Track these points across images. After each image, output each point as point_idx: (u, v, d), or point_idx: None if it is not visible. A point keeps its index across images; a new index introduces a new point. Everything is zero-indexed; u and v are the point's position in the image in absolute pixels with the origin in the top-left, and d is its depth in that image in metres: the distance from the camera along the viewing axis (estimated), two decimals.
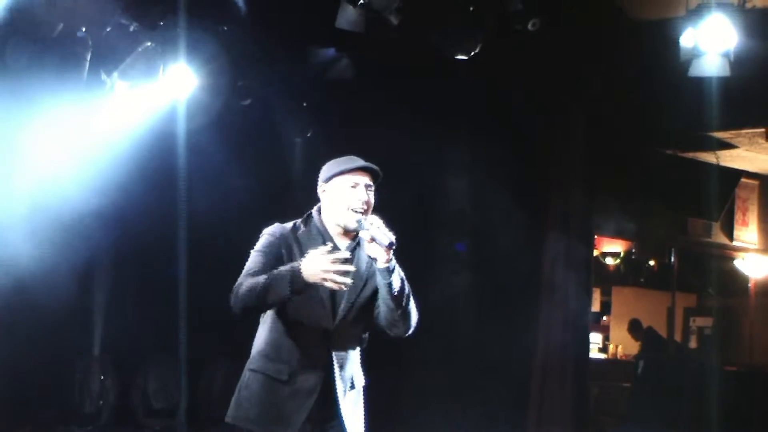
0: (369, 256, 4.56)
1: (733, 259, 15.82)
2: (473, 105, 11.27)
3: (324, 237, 4.66)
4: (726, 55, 8.45)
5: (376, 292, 4.66)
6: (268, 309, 4.54)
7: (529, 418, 11.48)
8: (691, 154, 13.46)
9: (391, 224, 4.58)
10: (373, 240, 4.51)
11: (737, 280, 15.96)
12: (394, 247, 4.48)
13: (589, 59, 10.72)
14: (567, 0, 9.86)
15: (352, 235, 4.70)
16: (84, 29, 8.61)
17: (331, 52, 10.26)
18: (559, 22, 9.51)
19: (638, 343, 15.58)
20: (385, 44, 9.21)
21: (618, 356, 16.45)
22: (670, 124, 11.68)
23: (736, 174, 14.66)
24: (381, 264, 4.51)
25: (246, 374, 4.72)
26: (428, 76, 10.39)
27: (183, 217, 10.25)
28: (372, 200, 4.71)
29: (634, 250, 16.75)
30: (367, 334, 4.83)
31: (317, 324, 4.60)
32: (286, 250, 4.61)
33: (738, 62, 8.56)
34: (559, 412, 11.36)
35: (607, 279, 16.84)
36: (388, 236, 4.47)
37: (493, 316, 11.47)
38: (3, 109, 8.70)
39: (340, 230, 4.69)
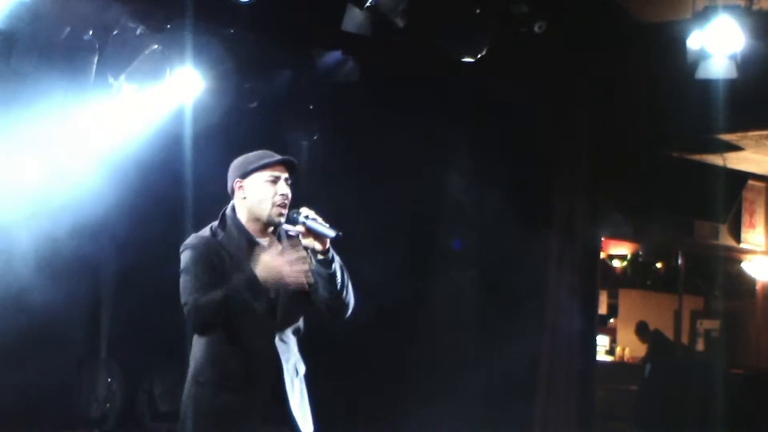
0: (306, 247, 4.54)
1: (740, 261, 15.79)
2: (477, 107, 11.26)
3: (246, 236, 4.60)
4: (733, 57, 8.44)
5: (311, 280, 4.63)
6: (225, 317, 4.42)
7: (535, 420, 11.47)
8: (697, 157, 13.44)
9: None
10: (310, 232, 4.51)
11: (744, 282, 15.93)
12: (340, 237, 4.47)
13: (595, 61, 10.72)
14: (572, 2, 9.85)
15: (271, 230, 4.66)
16: (91, 32, 8.62)
17: (337, 55, 10.25)
18: (565, 24, 9.51)
19: (645, 345, 15.56)
20: (391, 47, 9.21)
21: (625, 359, 16.44)
22: (676, 127, 11.67)
23: (743, 176, 14.65)
24: (319, 255, 4.53)
25: (193, 386, 4.60)
26: (433, 78, 10.39)
27: (189, 220, 10.23)
28: (290, 194, 4.66)
29: (640, 253, 16.72)
30: (303, 323, 4.76)
31: (260, 325, 4.53)
32: (216, 258, 4.54)
33: (745, 64, 8.55)
34: (565, 415, 11.34)
35: (613, 281, 16.83)
36: (332, 228, 4.51)
37: (498, 318, 11.45)
38: (10, 112, 8.71)
39: (260, 226, 4.64)
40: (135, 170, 9.67)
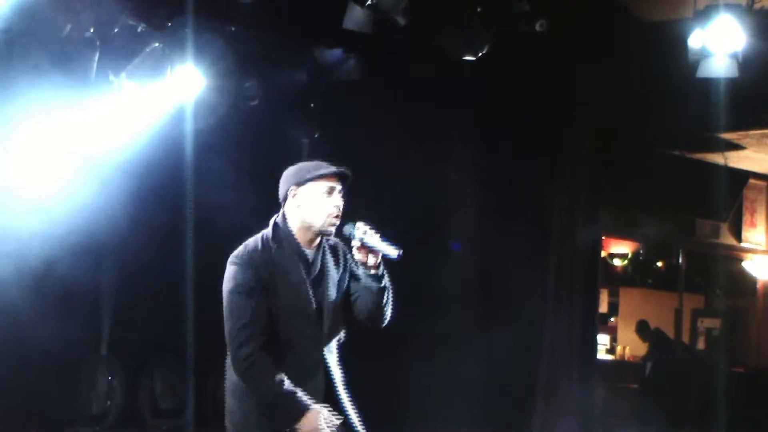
0: (357, 261, 4.63)
1: (741, 260, 15.80)
2: (478, 106, 11.27)
3: (296, 249, 4.63)
4: (734, 56, 8.43)
5: (347, 291, 4.71)
6: None
7: (536, 419, 11.48)
8: (699, 155, 13.45)
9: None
10: (365, 247, 4.57)
11: (745, 281, 15.95)
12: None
13: (596, 60, 10.71)
14: (574, 1, 9.85)
15: (318, 241, 4.70)
16: (92, 30, 8.62)
17: (338, 53, 10.25)
18: (566, 23, 9.50)
19: (646, 344, 15.56)
20: (392, 45, 9.21)
21: (625, 357, 16.43)
22: (677, 125, 11.67)
23: (744, 175, 14.65)
24: (371, 270, 4.61)
25: (245, 389, 4.66)
26: (434, 76, 10.39)
27: (190, 218, 10.26)
28: (342, 206, 4.73)
29: (641, 251, 16.72)
30: (343, 334, 4.85)
31: (310, 338, 4.62)
32: (267, 274, 4.58)
33: (746, 63, 8.54)
34: (565, 414, 11.35)
35: (614, 280, 16.82)
36: (394, 249, 4.56)
37: (500, 317, 11.46)
38: (11, 109, 8.72)
39: (311, 235, 4.68)
40: (136, 168, 9.67)
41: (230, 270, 4.66)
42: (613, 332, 17.20)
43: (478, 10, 8.69)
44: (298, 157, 11.79)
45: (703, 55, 8.46)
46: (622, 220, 13.78)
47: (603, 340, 16.03)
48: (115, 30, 8.69)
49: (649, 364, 14.65)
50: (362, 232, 4.61)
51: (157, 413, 11.58)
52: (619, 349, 16.71)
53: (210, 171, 10.19)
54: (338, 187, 4.73)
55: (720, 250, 15.32)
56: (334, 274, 4.69)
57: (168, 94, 9.32)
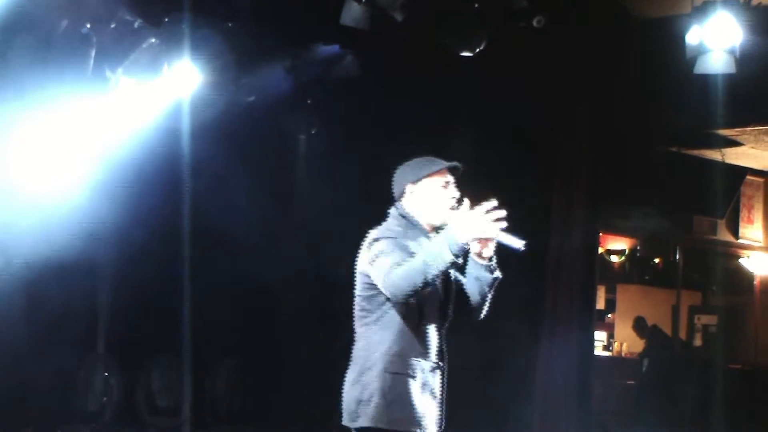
0: (473, 253, 4.77)
1: (738, 256, 15.80)
2: (476, 103, 11.25)
3: (424, 234, 4.82)
4: (732, 52, 8.42)
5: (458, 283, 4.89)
6: (427, 287, 4.57)
7: (534, 416, 11.46)
8: (696, 152, 13.44)
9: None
10: (488, 240, 4.71)
11: (742, 278, 15.94)
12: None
13: (594, 57, 10.70)
14: None
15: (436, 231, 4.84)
16: (88, 26, 8.60)
17: (335, 49, 10.24)
18: (564, 20, 9.49)
19: (643, 341, 15.56)
20: (389, 41, 9.19)
21: (623, 354, 16.43)
22: (675, 122, 11.66)
23: (742, 171, 14.64)
24: (484, 261, 4.79)
25: (387, 378, 4.69)
26: (432, 73, 10.37)
27: (187, 215, 10.25)
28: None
29: (639, 248, 16.71)
30: None
31: (435, 321, 4.81)
32: (403, 242, 4.73)
33: (744, 59, 8.53)
34: (564, 411, 11.33)
35: (611, 277, 16.81)
36: (519, 241, 4.73)
37: (496, 314, 11.42)
38: (7, 105, 8.70)
39: (429, 228, 4.86)
40: (132, 164, 9.66)
41: (376, 246, 4.74)
42: (610, 329, 17.19)
43: (476, 6, 8.68)
44: (294, 154, 11.87)
45: (700, 51, 8.46)
46: (619, 216, 13.76)
47: (600, 336, 16.02)
48: (112, 26, 8.68)
49: (646, 361, 14.65)
50: None
51: (154, 411, 11.58)
52: (616, 345, 16.71)
53: (207, 167, 10.18)
54: (452, 179, 4.91)
55: (717, 246, 15.32)
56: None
57: (165, 90, 9.30)
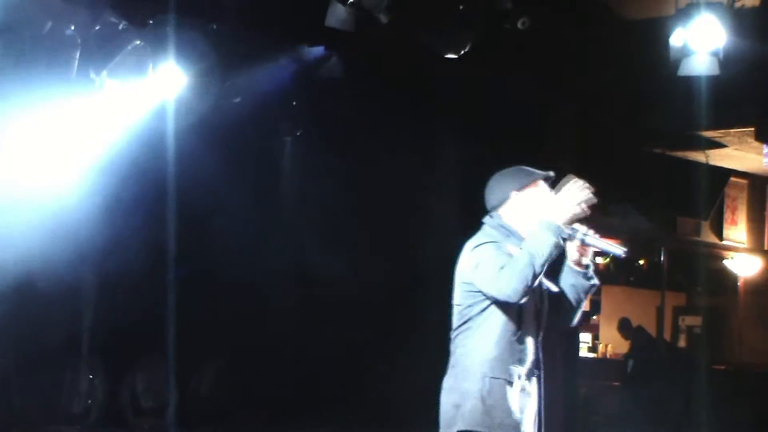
0: (570, 261, 4.85)
1: (722, 258, 15.85)
2: (462, 105, 11.27)
3: (521, 242, 4.81)
4: (715, 54, 8.46)
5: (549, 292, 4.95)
6: (538, 276, 4.63)
7: None
8: (680, 153, 13.48)
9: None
10: (584, 246, 4.80)
11: (726, 279, 16.00)
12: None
13: (579, 58, 10.73)
14: None
15: None
16: (73, 27, 8.58)
17: (320, 50, 10.24)
18: (549, 21, 9.51)
19: (628, 342, 15.60)
20: (374, 43, 9.20)
21: (608, 355, 16.47)
22: (659, 123, 11.70)
23: (726, 173, 14.70)
24: (581, 268, 4.88)
25: (486, 381, 4.76)
26: (417, 74, 10.39)
27: (173, 216, 10.24)
28: None
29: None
30: None
31: (532, 327, 4.87)
32: (507, 248, 4.78)
33: (727, 61, 8.57)
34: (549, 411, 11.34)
35: None
36: (620, 248, 4.84)
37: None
38: None
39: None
40: (117, 166, 9.64)
41: (479, 252, 4.80)
42: (595, 330, 17.23)
43: (461, 8, 8.70)
44: (281, 155, 11.86)
45: (684, 53, 8.49)
46: (603, 218, 13.79)
47: (585, 338, 16.05)
48: (97, 27, 8.66)
49: (631, 362, 14.68)
50: (583, 233, 4.81)
51: (139, 412, 11.56)
52: (601, 347, 16.74)
53: (192, 169, 10.17)
54: (546, 188, 4.98)
55: (701, 248, 15.37)
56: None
57: (150, 92, 9.28)
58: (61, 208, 9.31)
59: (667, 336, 16.16)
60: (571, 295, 4.96)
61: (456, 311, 4.93)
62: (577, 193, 4.68)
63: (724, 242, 15.55)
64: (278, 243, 11.58)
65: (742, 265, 15.81)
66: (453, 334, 4.95)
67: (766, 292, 15.98)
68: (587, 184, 4.73)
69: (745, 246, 15.83)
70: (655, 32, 9.25)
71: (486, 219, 5.00)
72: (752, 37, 9.33)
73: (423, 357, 11.55)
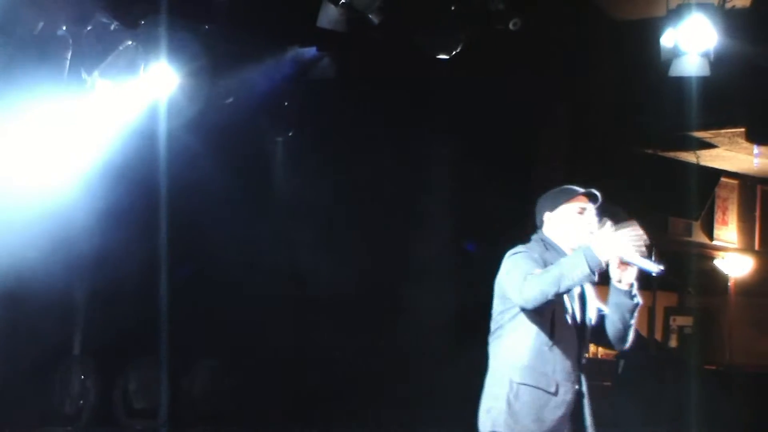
0: (613, 280, 4.87)
1: (713, 258, 15.87)
2: (453, 105, 11.28)
3: (563, 256, 4.87)
4: (706, 55, 8.49)
5: (597, 313, 5.03)
6: (557, 297, 4.70)
7: None
8: (671, 154, 13.51)
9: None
10: (624, 264, 4.82)
11: (717, 279, 16.01)
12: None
13: (570, 59, 10.74)
14: (548, 0, 9.88)
15: None
16: (64, 28, 8.57)
17: (312, 51, 10.25)
18: (540, 22, 9.53)
19: None
20: (366, 43, 9.21)
21: (599, 355, 16.45)
22: (650, 124, 11.72)
23: (716, 173, 14.72)
24: (625, 287, 4.88)
25: (513, 386, 4.84)
26: (409, 75, 10.39)
27: (164, 216, 10.23)
28: (596, 223, 5.00)
29: None
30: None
31: (572, 341, 4.92)
32: (542, 261, 4.85)
33: (718, 62, 8.60)
34: None
35: None
36: (656, 265, 4.87)
37: (477, 317, 11.45)
38: None
39: (570, 252, 4.93)
40: (109, 166, 9.63)
41: (517, 255, 4.89)
42: None
43: (453, 9, 8.71)
44: (272, 156, 11.85)
45: (675, 53, 8.52)
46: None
47: None
48: (88, 28, 8.65)
49: (622, 362, 14.68)
50: None
51: (131, 413, 11.54)
52: (592, 347, 16.73)
53: (184, 170, 10.16)
54: (588, 206, 5.03)
55: (692, 248, 15.38)
56: (590, 291, 5.02)
57: (141, 93, 9.28)
58: (53, 209, 9.30)
59: (658, 336, 16.16)
60: (617, 315, 4.98)
61: (492, 317, 5.01)
62: (630, 237, 4.74)
63: (714, 243, 15.58)
64: (270, 243, 11.57)
65: (733, 266, 15.84)
66: (489, 339, 5.03)
67: (757, 292, 16.01)
68: (643, 234, 4.81)
69: (736, 246, 15.86)
70: (646, 33, 9.28)
71: (533, 235, 5.11)
72: (743, 38, 9.35)
73: (417, 357, 11.58)
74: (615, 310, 4.97)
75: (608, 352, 16.16)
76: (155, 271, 10.28)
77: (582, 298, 4.98)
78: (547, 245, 4.98)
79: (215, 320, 11.42)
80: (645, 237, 4.80)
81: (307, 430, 11.56)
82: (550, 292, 4.61)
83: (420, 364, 11.55)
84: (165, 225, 10.22)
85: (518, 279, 4.73)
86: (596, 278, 4.76)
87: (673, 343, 16.39)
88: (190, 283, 10.97)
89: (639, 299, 4.95)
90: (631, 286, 4.91)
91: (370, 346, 11.47)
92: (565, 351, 4.87)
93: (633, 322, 4.99)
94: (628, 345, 5.09)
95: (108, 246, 10.58)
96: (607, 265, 4.80)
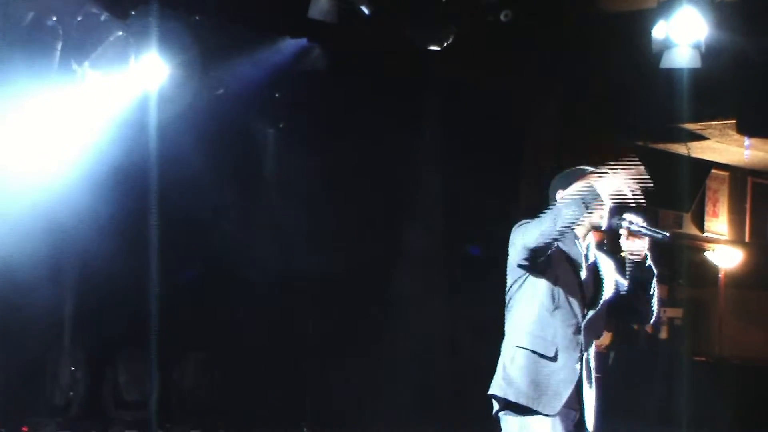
0: (623, 252, 4.98)
1: (703, 250, 15.89)
2: (446, 97, 11.28)
3: (575, 242, 4.98)
4: (697, 47, 8.50)
5: (617, 288, 5.05)
6: (557, 235, 4.72)
7: None
8: (662, 146, 13.51)
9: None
10: (633, 235, 4.92)
11: (707, 271, 16.03)
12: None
13: (561, 51, 10.74)
14: None
15: (587, 237, 5.06)
16: (54, 18, 8.54)
17: (303, 42, 10.23)
18: (531, 15, 9.53)
19: (609, 334, 15.63)
20: (357, 35, 9.20)
21: None
22: (641, 116, 11.72)
23: (707, 165, 14.74)
24: (637, 258, 4.97)
25: (511, 350, 4.93)
26: (400, 67, 10.39)
27: (154, 209, 10.21)
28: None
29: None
30: (603, 331, 5.17)
31: (575, 310, 4.91)
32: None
33: (709, 54, 8.62)
34: None
35: None
36: (662, 233, 4.97)
37: (467, 309, 11.47)
38: None
39: (583, 231, 5.03)
40: (98, 157, 9.60)
41: (520, 224, 4.91)
42: None
43: (444, 0, 8.71)
44: (263, 147, 11.84)
45: (666, 45, 8.54)
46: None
47: None
48: (79, 18, 8.63)
49: (612, 354, 14.72)
50: (628, 220, 4.96)
51: (121, 404, 11.51)
52: None
53: (174, 161, 10.14)
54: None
55: (683, 240, 15.40)
56: (603, 267, 5.07)
57: (132, 83, 9.26)
58: (43, 199, 9.28)
59: (648, 328, 16.19)
60: (635, 288, 5.03)
61: (507, 293, 5.09)
62: (631, 173, 4.79)
63: (705, 234, 15.60)
64: (261, 234, 11.56)
65: (724, 258, 15.86)
66: (505, 313, 5.09)
67: (748, 284, 16.04)
68: (643, 171, 4.86)
69: (726, 238, 15.89)
70: (637, 25, 9.28)
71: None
72: (734, 30, 9.37)
73: (409, 350, 11.59)
74: (632, 283, 5.02)
75: (599, 344, 16.22)
76: (146, 263, 10.26)
77: (596, 270, 5.01)
78: None
79: (205, 312, 11.41)
80: (645, 175, 4.85)
81: (297, 422, 11.56)
82: (550, 230, 4.66)
83: (411, 357, 11.56)
84: (155, 217, 10.20)
85: (521, 229, 4.82)
86: (601, 222, 4.87)
87: (663, 334, 16.41)
88: (181, 274, 10.96)
89: (655, 270, 5.00)
90: (645, 257, 4.97)
91: (361, 339, 11.47)
92: (569, 319, 4.89)
93: (654, 293, 5.05)
94: (653, 318, 5.14)
95: (98, 237, 10.56)
96: (618, 236, 4.90)
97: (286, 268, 11.48)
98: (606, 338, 15.73)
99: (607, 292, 5.03)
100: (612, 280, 5.07)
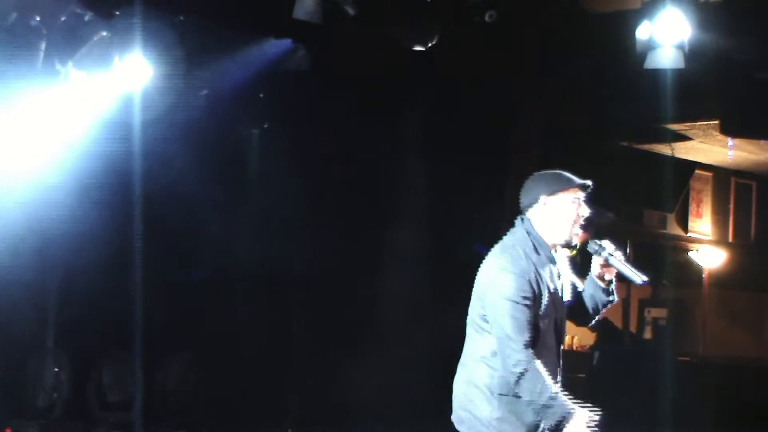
0: (594, 273, 4.88)
1: (687, 250, 15.95)
2: (430, 98, 11.28)
3: (550, 262, 4.78)
4: (681, 48, 8.52)
5: (572, 290, 4.93)
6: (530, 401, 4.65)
7: None
8: (646, 146, 13.56)
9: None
10: (608, 266, 4.81)
11: (691, 271, 16.09)
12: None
13: (545, 51, 10.76)
14: None
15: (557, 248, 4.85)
16: (38, 18, 8.52)
17: (287, 43, 10.22)
18: (515, 15, 9.54)
19: (594, 334, 15.66)
20: (342, 35, 9.19)
21: (573, 347, 16.53)
22: (625, 116, 11.75)
23: (691, 166, 14.79)
24: (603, 284, 4.87)
25: (494, 400, 4.74)
26: (385, 67, 10.39)
27: (138, 210, 10.18)
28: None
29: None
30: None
31: (552, 341, 4.79)
32: (536, 285, 4.67)
33: (692, 55, 8.63)
34: None
35: None
36: (640, 275, 4.77)
37: (450, 308, 11.46)
38: None
39: (553, 244, 4.83)
40: (82, 157, 9.58)
41: (507, 278, 4.64)
42: None
43: (429, 1, 8.71)
44: (247, 147, 11.83)
45: (650, 46, 8.55)
46: None
47: None
48: (62, 18, 8.60)
49: (596, 354, 14.74)
50: (609, 252, 4.83)
51: (104, 406, 11.49)
52: (567, 338, 16.79)
53: (158, 161, 10.12)
54: (582, 196, 4.86)
55: (667, 240, 15.46)
56: (565, 281, 4.89)
57: (115, 84, 9.23)
58: (26, 200, 9.25)
59: (632, 328, 16.23)
60: (589, 303, 4.93)
61: (472, 313, 4.81)
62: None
63: (689, 235, 15.65)
64: (245, 236, 11.56)
65: (707, 258, 15.92)
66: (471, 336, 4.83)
67: (731, 284, 16.11)
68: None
69: (710, 238, 15.95)
70: (621, 25, 9.30)
71: (517, 220, 4.91)
72: (717, 31, 9.40)
73: (394, 350, 11.58)
74: (589, 300, 4.92)
75: (583, 344, 16.24)
76: (130, 263, 10.23)
77: (560, 288, 4.83)
78: (534, 244, 4.76)
79: (189, 313, 11.40)
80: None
81: (281, 422, 11.55)
82: (531, 399, 4.58)
83: (396, 357, 11.56)
84: (139, 216, 10.18)
85: (504, 335, 4.57)
86: (576, 242, 4.79)
87: (647, 334, 16.45)
88: (165, 274, 10.94)
89: (614, 297, 4.90)
90: (610, 283, 4.87)
91: (347, 338, 11.47)
92: (547, 350, 4.73)
93: (603, 312, 4.96)
94: (586, 325, 5.07)
95: (81, 238, 10.53)
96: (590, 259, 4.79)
97: (270, 269, 11.47)
98: (590, 338, 15.77)
99: (566, 297, 4.89)
100: (570, 282, 4.93)
